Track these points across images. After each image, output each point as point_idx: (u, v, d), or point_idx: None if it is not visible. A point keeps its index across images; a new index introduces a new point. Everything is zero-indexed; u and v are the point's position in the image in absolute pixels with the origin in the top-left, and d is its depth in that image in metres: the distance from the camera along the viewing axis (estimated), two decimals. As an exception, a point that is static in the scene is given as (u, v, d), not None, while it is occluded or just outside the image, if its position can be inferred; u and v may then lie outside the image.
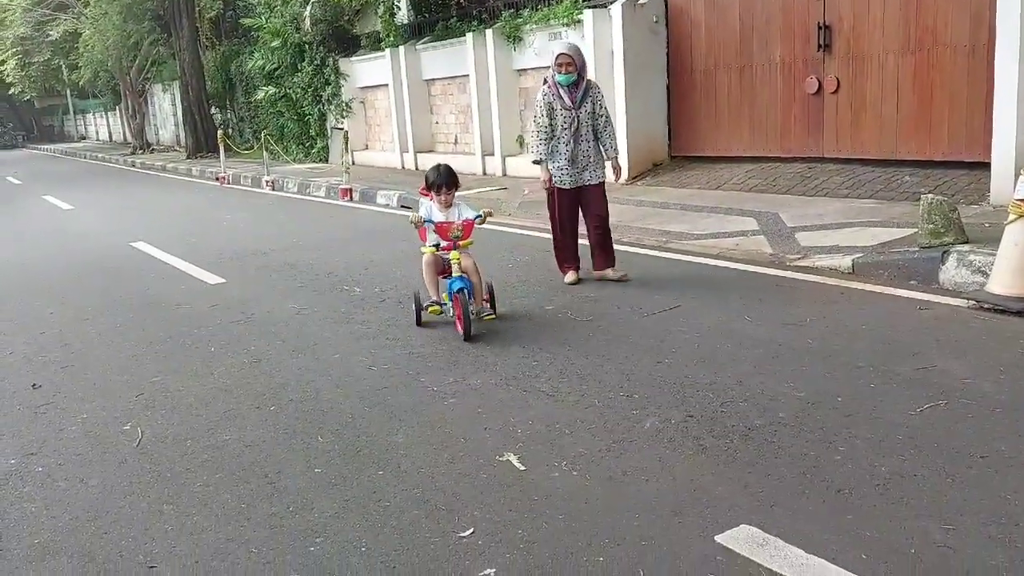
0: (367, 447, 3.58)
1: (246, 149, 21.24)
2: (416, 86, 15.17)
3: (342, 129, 15.19)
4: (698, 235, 7.51)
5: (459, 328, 4.99)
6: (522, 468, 3.26)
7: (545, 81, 6.16)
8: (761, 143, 9.85)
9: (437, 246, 5.20)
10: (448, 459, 3.39)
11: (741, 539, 2.64)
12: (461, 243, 5.16)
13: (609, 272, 6.20)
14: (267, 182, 15.24)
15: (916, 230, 6.05)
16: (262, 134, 16.96)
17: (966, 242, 5.69)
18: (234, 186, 16.52)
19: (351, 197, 12.68)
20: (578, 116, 6.02)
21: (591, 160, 6.11)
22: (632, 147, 10.66)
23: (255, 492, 3.23)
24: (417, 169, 15.13)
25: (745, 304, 5.31)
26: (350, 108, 17.19)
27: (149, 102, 32.42)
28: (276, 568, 2.70)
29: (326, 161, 17.90)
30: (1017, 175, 5.24)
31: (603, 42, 10.68)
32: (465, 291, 5.00)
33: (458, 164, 14.06)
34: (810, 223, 7.35)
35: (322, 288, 6.73)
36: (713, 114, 10.39)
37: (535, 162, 6.24)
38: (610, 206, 6.36)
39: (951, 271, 5.49)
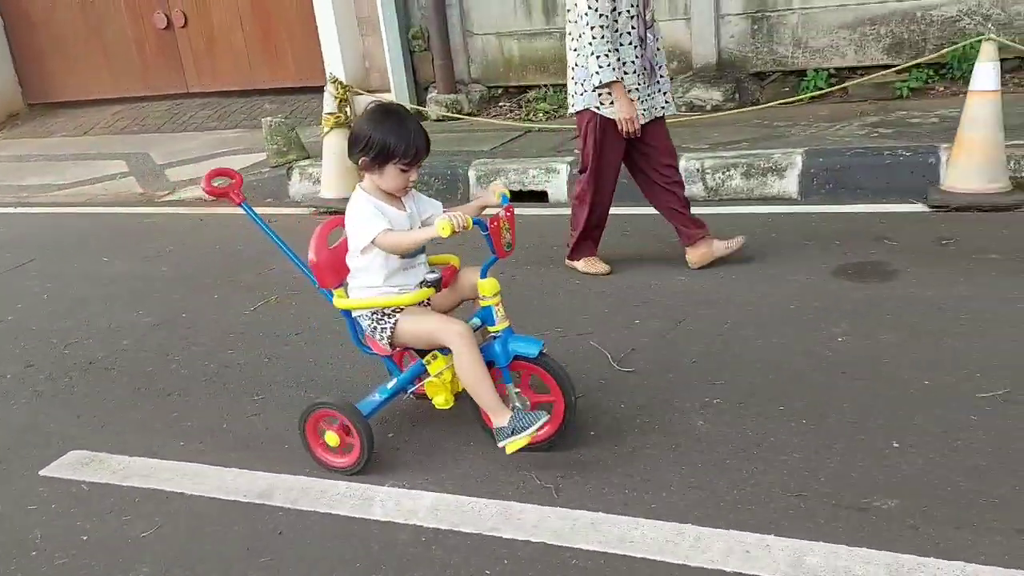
0: None
1: None
2: None
3: None
4: (63, 184, 7.18)
5: (547, 431, 2.43)
6: None
7: None
8: (124, 83, 9.47)
9: (437, 284, 2.46)
10: None
11: (67, 464, 2.73)
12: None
13: (721, 245, 3.86)
14: None
15: (269, 153, 6.60)
16: None
17: (307, 158, 6.41)
18: None
19: None
20: None
21: (665, 73, 3.81)
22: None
23: None
24: None
25: (107, 246, 5.24)
26: None
27: None
28: None
29: None
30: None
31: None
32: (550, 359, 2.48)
33: None
34: (180, 158, 7.47)
35: None
36: (64, 55, 9.61)
37: (605, 84, 3.54)
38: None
39: (296, 184, 6.15)
